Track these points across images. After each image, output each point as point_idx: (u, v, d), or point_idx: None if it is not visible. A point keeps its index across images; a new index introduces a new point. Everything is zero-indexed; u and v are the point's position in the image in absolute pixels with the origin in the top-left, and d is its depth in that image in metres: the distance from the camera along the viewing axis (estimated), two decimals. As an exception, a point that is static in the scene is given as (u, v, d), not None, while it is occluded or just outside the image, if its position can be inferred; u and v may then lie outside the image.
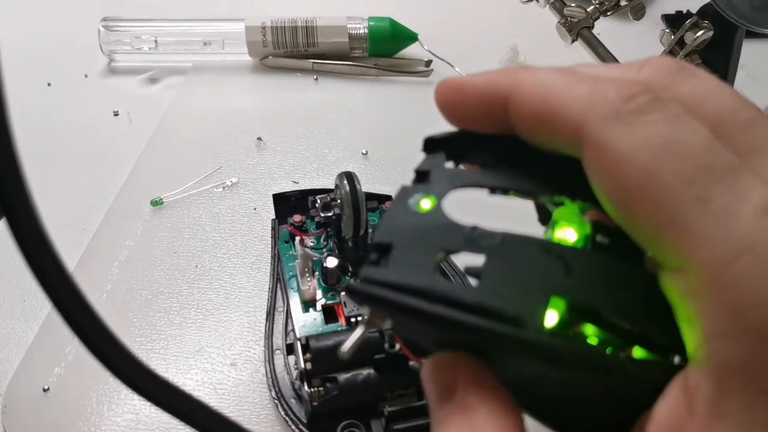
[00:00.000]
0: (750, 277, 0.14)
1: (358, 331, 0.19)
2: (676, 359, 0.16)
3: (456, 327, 0.16)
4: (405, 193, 0.19)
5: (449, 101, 0.19)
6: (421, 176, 0.20)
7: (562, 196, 0.18)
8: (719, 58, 0.42)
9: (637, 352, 0.17)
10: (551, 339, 0.16)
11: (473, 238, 0.17)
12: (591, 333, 0.17)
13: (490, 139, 0.19)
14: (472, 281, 0.17)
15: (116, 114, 0.46)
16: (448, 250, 0.17)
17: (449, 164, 0.20)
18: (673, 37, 0.42)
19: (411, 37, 0.50)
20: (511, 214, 0.20)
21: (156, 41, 0.49)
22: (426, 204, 0.18)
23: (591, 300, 0.16)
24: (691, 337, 0.15)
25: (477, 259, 0.17)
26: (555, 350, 0.16)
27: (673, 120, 0.16)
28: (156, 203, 0.40)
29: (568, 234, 0.18)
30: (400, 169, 0.43)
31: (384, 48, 0.50)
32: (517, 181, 0.19)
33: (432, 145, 0.20)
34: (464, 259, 0.17)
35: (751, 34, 0.41)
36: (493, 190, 0.19)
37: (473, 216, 0.18)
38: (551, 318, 0.16)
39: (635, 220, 0.16)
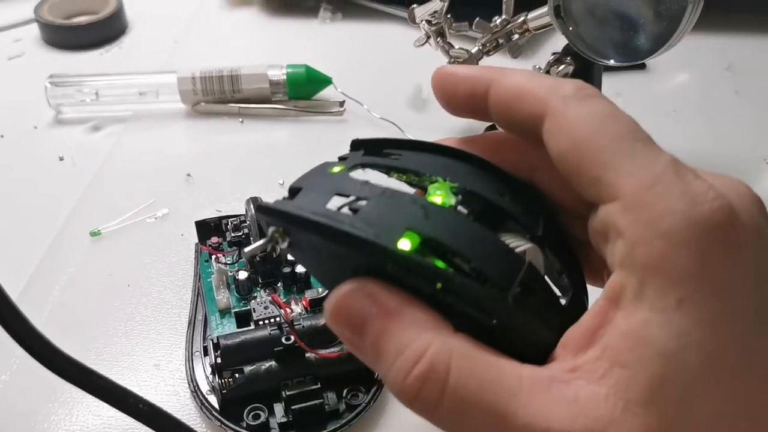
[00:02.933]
0: (660, 198, 0.19)
1: (261, 241, 0.23)
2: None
3: (330, 234, 0.20)
4: (325, 164, 0.24)
5: (444, 85, 0.25)
6: (341, 159, 0.25)
7: (439, 176, 0.23)
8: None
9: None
10: (401, 252, 0.20)
11: (363, 187, 0.22)
12: (438, 264, 0.21)
13: (405, 147, 0.25)
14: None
15: (62, 159, 0.52)
16: (340, 194, 0.22)
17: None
18: (541, 71, 0.49)
19: (326, 81, 0.56)
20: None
21: (97, 94, 0.55)
22: (336, 169, 0.23)
23: (439, 239, 0.20)
24: (618, 248, 0.20)
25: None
26: (401, 260, 0.20)
27: (610, 103, 0.22)
28: (94, 234, 0.45)
29: (436, 199, 0.23)
30: (312, 195, 0.48)
31: (301, 91, 0.56)
32: (409, 168, 0.23)
33: (356, 144, 0.26)
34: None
35: (623, 66, 0.47)
36: (389, 172, 0.24)
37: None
38: (404, 244, 0.20)
39: (583, 166, 0.21)
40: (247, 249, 0.23)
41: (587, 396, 0.19)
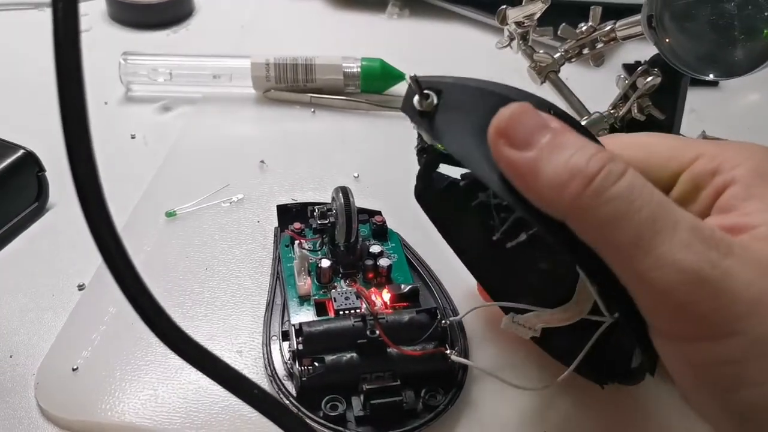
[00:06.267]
0: None
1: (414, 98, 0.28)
2: None
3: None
4: None
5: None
6: None
7: None
8: (667, 101, 0.48)
9: None
10: None
11: None
12: None
13: None
14: None
15: (133, 137, 0.52)
16: None
17: None
18: (627, 81, 0.48)
19: (399, 77, 0.56)
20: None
21: (171, 74, 0.54)
22: None
23: None
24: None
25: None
26: None
27: None
28: (170, 215, 0.45)
29: None
30: (387, 191, 0.48)
31: (374, 85, 0.56)
32: None
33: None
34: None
35: (699, 82, 0.47)
36: None
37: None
38: None
39: None
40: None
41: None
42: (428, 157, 0.34)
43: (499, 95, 0.26)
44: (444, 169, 0.35)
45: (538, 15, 0.46)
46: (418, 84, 0.27)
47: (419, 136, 0.33)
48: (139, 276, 0.23)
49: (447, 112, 0.27)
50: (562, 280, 0.32)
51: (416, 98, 0.27)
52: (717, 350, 0.22)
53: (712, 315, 0.22)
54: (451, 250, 0.38)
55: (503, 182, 0.25)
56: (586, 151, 0.24)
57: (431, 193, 0.36)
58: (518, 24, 0.47)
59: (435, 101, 0.27)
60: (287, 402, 0.34)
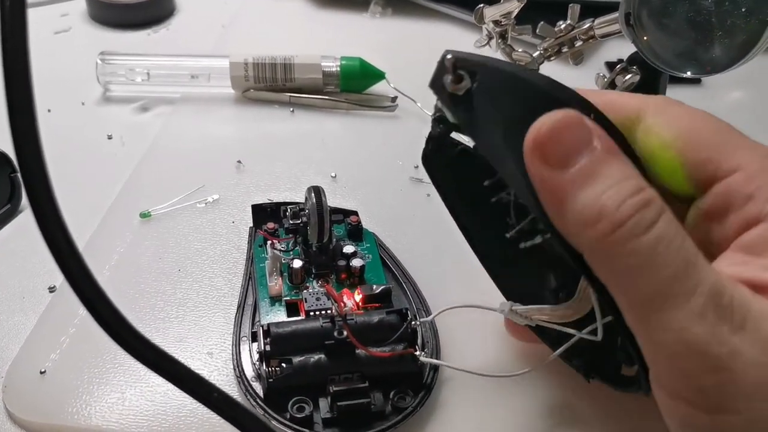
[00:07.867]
0: None
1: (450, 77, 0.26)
2: None
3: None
4: None
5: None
6: None
7: None
8: (646, 99, 0.48)
9: None
10: None
11: None
12: None
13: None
14: None
15: (110, 137, 0.51)
16: None
17: None
18: (606, 79, 0.48)
19: (379, 76, 0.56)
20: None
21: (148, 74, 0.54)
22: None
23: None
24: (752, 208, 0.25)
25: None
26: None
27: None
28: (144, 215, 0.44)
29: None
30: (364, 190, 0.48)
31: (354, 84, 0.55)
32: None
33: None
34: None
35: (681, 79, 0.47)
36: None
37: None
38: None
39: (693, 149, 0.26)
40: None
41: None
42: (445, 126, 0.30)
43: (537, 88, 0.25)
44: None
45: (515, 13, 0.46)
46: (454, 64, 0.25)
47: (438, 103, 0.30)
48: (91, 275, 0.23)
49: (479, 98, 0.25)
50: (553, 281, 0.32)
51: (449, 78, 0.25)
52: (711, 422, 0.21)
53: (712, 390, 0.21)
54: (427, 252, 0.37)
55: (531, 193, 0.23)
56: (621, 190, 0.22)
57: (440, 157, 0.33)
58: (496, 23, 0.47)
59: (468, 84, 0.25)
60: (254, 404, 0.33)
